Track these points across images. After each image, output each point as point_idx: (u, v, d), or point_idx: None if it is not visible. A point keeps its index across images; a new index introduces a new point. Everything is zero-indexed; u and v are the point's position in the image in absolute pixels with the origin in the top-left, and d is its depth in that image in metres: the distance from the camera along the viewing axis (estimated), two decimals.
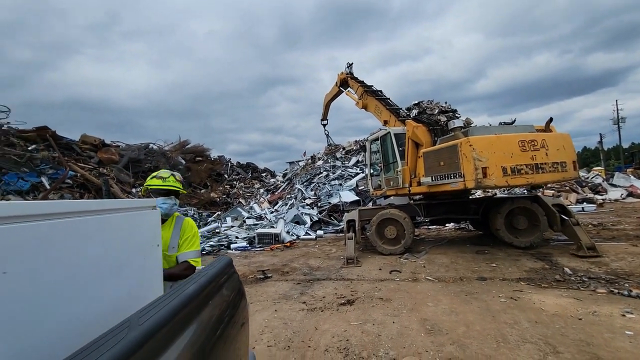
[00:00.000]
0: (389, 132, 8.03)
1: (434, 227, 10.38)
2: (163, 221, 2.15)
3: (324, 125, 13.86)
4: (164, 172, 2.27)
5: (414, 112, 9.10)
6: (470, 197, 8.48)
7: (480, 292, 4.32)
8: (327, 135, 14.19)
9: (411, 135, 7.42)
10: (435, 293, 4.43)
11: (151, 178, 2.24)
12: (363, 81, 10.82)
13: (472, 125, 7.44)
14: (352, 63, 11.26)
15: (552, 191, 13.47)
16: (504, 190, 11.90)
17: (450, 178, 6.29)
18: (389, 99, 9.90)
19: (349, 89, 11.24)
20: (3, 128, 12.38)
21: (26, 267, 0.73)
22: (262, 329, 3.60)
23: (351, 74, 11.18)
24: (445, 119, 7.83)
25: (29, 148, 12.39)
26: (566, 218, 6.44)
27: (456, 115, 8.11)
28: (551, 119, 6.81)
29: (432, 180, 6.71)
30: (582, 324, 3.18)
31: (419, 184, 7.16)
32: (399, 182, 7.56)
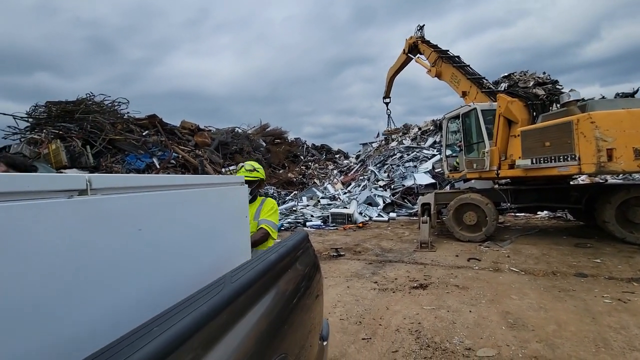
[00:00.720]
0: (474, 109, 7.17)
1: (523, 214, 9.32)
2: (253, 200, 2.45)
3: (387, 104, 13.16)
4: (249, 164, 2.55)
5: (503, 85, 8.15)
6: (571, 182, 7.35)
7: (578, 290, 3.82)
8: (389, 116, 13.61)
9: (504, 111, 6.54)
10: (520, 286, 4.07)
11: (240, 169, 2.53)
12: (437, 45, 9.71)
13: (585, 99, 6.34)
14: (424, 25, 10.21)
15: None
16: (617, 175, 9.95)
17: (559, 161, 5.43)
18: (468, 65, 8.81)
19: (419, 55, 10.24)
20: (124, 117, 14.86)
21: (156, 226, 0.94)
22: (335, 303, 3.80)
23: (422, 37, 10.13)
24: (544, 92, 6.82)
25: (143, 134, 14.69)
26: None
27: (557, 87, 7.01)
28: None
29: (533, 163, 5.85)
30: None
31: (512, 167, 6.35)
32: (485, 164, 6.82)
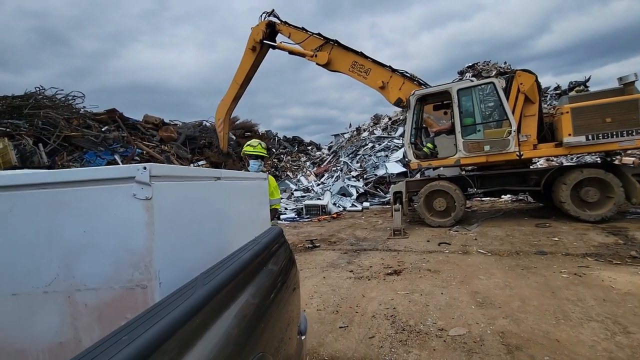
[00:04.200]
0: (492, 82, 6.66)
1: (488, 199, 9.81)
2: None
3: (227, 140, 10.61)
4: (254, 142, 3.14)
5: (468, 75, 8.32)
6: (531, 167, 7.79)
7: (538, 267, 4.07)
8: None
9: (528, 89, 6.45)
10: (487, 266, 4.28)
11: (246, 146, 3.05)
12: (304, 28, 8.53)
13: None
14: (273, 10, 8.83)
15: (633, 158, 11.81)
16: (571, 158, 10.70)
17: (622, 136, 5.82)
18: (369, 57, 7.96)
19: (282, 42, 8.86)
20: (80, 112, 13.87)
21: (239, 201, 1.51)
22: (311, 294, 3.81)
23: (277, 17, 8.72)
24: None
25: (103, 129, 13.82)
26: None
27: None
28: None
29: (588, 139, 6.01)
30: None
31: (535, 147, 6.46)
32: (510, 145, 6.42)
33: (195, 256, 1.01)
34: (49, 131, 11.65)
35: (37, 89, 13.08)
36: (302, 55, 8.56)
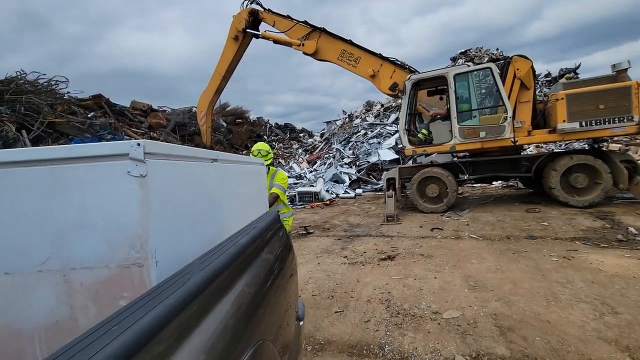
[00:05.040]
0: (489, 67, 6.62)
1: (479, 185, 9.92)
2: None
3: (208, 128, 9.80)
4: (254, 149, 3.29)
5: (460, 61, 8.23)
6: (522, 153, 7.86)
7: (529, 251, 4.15)
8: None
9: (524, 74, 6.42)
10: (479, 251, 4.34)
11: (250, 154, 3.24)
12: (289, 16, 8.07)
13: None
14: None
15: (619, 145, 12.04)
16: (559, 145, 10.85)
17: (614, 122, 5.90)
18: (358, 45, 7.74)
19: (266, 30, 8.44)
20: (64, 97, 13.42)
21: (239, 183, 1.52)
22: (306, 280, 3.82)
23: (260, 5, 8.31)
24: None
25: (89, 115, 13.42)
26: (635, 175, 5.80)
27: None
28: None
29: (582, 125, 6.04)
30: None
31: (529, 133, 6.49)
32: (506, 131, 6.41)
33: (192, 236, 0.99)
34: (32, 117, 11.26)
35: (18, 74, 12.56)
36: (288, 44, 8.24)
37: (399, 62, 7.62)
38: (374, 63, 7.53)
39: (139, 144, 0.79)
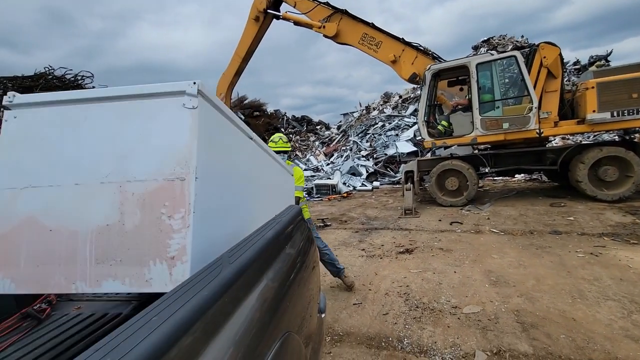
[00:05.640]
0: (514, 56, 6.34)
1: (501, 178, 9.65)
2: None
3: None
4: (275, 137, 3.25)
5: (482, 50, 7.94)
6: (546, 145, 7.57)
7: (553, 247, 4.03)
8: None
9: (552, 62, 6.14)
10: (500, 245, 4.25)
11: (269, 142, 3.18)
12: None
13: None
14: None
15: None
16: (588, 136, 10.37)
17: None
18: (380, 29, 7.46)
19: (287, 11, 8.20)
20: None
21: (255, 167, 1.55)
22: (324, 272, 3.84)
23: None
24: None
25: None
26: None
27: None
28: None
29: (614, 115, 5.79)
30: None
31: (556, 124, 6.23)
32: (530, 122, 6.17)
33: (225, 161, 1.21)
34: None
35: (47, 69, 13.08)
36: (309, 26, 8.07)
37: (422, 48, 7.39)
38: (396, 48, 7.32)
39: (194, 83, 1.01)
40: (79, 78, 13.83)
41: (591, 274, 3.18)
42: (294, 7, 8.23)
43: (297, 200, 3.07)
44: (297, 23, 8.35)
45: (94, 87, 14.21)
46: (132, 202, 0.99)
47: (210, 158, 1.06)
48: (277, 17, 8.53)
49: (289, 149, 3.25)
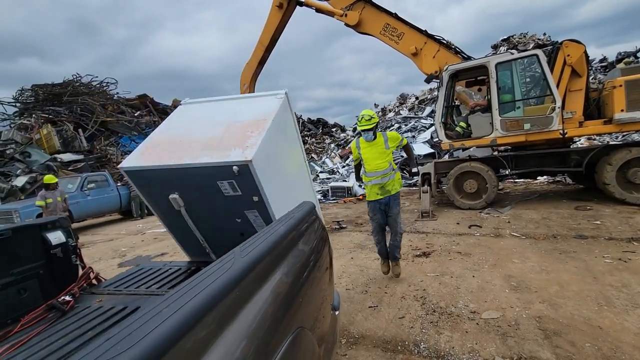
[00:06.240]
0: (535, 55, 6.16)
1: (522, 180, 9.34)
2: (372, 140, 3.33)
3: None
4: (365, 114, 3.26)
5: (502, 49, 7.71)
6: (571, 146, 7.28)
7: (578, 251, 3.87)
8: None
9: (576, 60, 5.96)
10: (522, 250, 4.12)
11: (359, 121, 3.31)
12: None
13: None
14: None
15: None
16: (616, 137, 9.90)
17: None
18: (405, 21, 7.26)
19: None
20: (114, 98, 14.45)
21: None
22: (340, 274, 3.85)
23: None
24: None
25: (135, 114, 14.36)
26: None
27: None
28: None
29: None
30: None
31: (581, 124, 6.01)
32: (553, 122, 5.98)
33: (281, 134, 2.36)
34: (87, 117, 12.26)
35: (74, 77, 13.70)
36: (331, 13, 7.97)
37: (445, 41, 7.20)
38: (418, 40, 7.16)
39: (285, 91, 2.48)
40: (104, 85, 14.42)
41: (619, 280, 3.03)
42: None
43: (407, 146, 3.59)
44: (318, 10, 8.21)
45: (117, 93, 14.79)
46: (234, 128, 2.06)
47: (278, 123, 2.18)
48: (300, 4, 8.40)
49: (369, 126, 3.23)
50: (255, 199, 1.92)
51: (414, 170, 3.20)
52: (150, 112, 14.81)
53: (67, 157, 11.46)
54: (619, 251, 3.75)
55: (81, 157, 11.51)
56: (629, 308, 2.54)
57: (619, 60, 15.16)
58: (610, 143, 7.95)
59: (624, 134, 9.30)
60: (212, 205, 2.06)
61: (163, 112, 15.79)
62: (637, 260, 3.44)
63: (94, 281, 1.68)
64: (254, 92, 10.71)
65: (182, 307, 0.58)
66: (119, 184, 10.37)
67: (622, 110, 5.58)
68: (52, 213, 6.21)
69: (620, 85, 5.58)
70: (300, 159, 2.87)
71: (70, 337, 0.86)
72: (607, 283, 3.00)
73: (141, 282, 1.85)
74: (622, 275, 3.13)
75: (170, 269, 2.13)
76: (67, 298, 1.11)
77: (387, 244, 3.56)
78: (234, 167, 1.75)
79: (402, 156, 12.80)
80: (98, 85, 14.06)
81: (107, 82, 14.26)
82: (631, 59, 14.79)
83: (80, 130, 11.93)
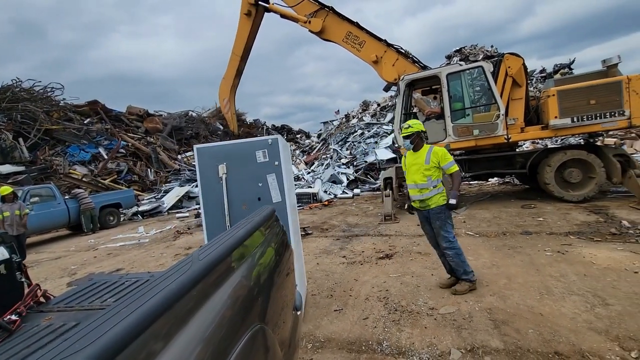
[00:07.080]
0: (481, 66, 6.65)
1: (476, 182, 10.00)
2: (417, 149, 3.20)
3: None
4: (405, 124, 3.21)
5: (455, 59, 8.29)
6: (517, 150, 7.93)
7: (524, 246, 4.22)
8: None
9: (516, 72, 6.51)
10: (475, 247, 4.41)
11: (402, 129, 3.23)
12: None
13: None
14: None
15: (614, 139, 12.15)
16: (555, 140, 10.95)
17: (604, 117, 6.00)
18: (366, 30, 7.64)
19: (274, 3, 8.37)
20: (60, 104, 13.42)
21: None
22: (306, 280, 3.86)
23: None
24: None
25: (85, 122, 13.43)
26: (629, 169, 5.89)
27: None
28: None
29: (574, 121, 6.13)
30: (638, 277, 3.03)
31: (522, 130, 6.54)
32: (498, 128, 6.48)
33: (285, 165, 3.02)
34: (29, 125, 11.27)
35: (14, 82, 12.56)
36: (295, 20, 8.14)
37: (402, 51, 7.61)
38: (379, 48, 7.50)
39: (277, 137, 2.98)
40: (49, 90, 13.36)
41: (558, 271, 3.35)
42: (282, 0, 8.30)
43: (454, 174, 3.08)
44: (283, 16, 8.40)
45: (64, 99, 13.76)
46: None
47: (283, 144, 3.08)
48: (267, 10, 8.61)
49: (405, 133, 3.12)
50: (276, 163, 2.89)
51: (451, 201, 3.10)
52: (102, 119, 13.92)
53: (5, 168, 10.43)
54: (558, 244, 4.15)
55: (22, 168, 10.53)
56: (565, 295, 2.82)
57: (555, 72, 16.80)
58: (549, 146, 8.76)
59: (563, 138, 10.31)
60: (246, 168, 2.92)
61: (116, 119, 14.93)
62: (573, 252, 3.83)
63: (41, 299, 1.56)
64: (234, 104, 10.50)
65: (128, 316, 0.58)
66: (66, 197, 9.60)
67: (555, 117, 6.21)
68: (9, 228, 5.62)
69: (554, 95, 6.21)
70: (289, 168, 3.44)
71: (18, 357, 0.81)
72: (547, 274, 3.30)
73: (95, 296, 1.73)
74: (560, 266, 3.47)
75: (127, 281, 2.02)
76: (13, 317, 1.04)
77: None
78: (269, 140, 2.91)
79: (365, 161, 13.14)
80: (41, 91, 13.00)
81: (52, 87, 13.25)
82: (566, 70, 16.47)
83: (21, 139, 10.92)
